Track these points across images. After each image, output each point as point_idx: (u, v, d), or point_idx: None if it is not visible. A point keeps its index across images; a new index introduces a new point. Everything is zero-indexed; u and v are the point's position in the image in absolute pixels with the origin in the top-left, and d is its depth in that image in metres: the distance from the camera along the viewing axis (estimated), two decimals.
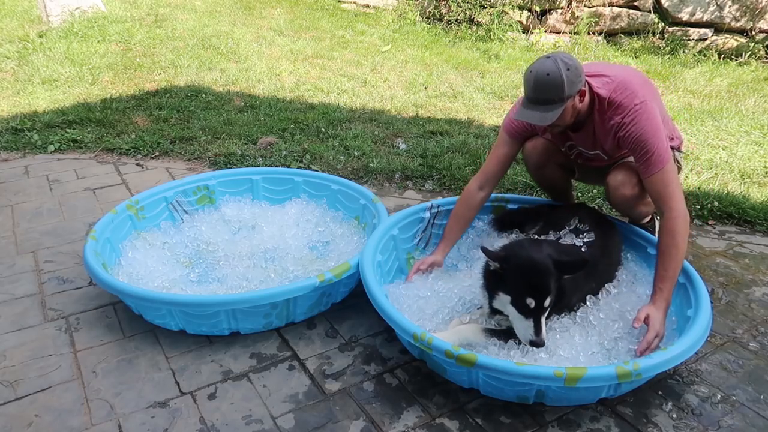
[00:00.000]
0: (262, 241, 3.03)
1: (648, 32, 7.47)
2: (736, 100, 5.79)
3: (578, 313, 2.31)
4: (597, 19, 7.63)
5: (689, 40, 7.30)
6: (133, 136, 4.59)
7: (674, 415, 2.04)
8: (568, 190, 3.11)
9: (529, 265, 2.10)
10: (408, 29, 8.25)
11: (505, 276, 2.12)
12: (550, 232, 2.55)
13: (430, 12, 8.58)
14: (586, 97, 2.38)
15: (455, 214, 2.72)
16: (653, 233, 2.81)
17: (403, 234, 2.86)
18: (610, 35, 7.71)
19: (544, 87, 2.27)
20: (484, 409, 2.05)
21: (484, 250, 2.17)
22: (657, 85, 6.24)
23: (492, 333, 2.21)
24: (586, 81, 2.38)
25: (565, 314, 2.30)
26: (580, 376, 1.83)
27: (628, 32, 7.62)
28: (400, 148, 4.51)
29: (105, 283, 2.40)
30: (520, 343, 2.14)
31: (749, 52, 6.94)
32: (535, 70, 2.28)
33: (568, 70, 2.23)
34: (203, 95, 5.59)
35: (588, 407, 2.07)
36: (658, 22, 7.42)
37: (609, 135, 2.44)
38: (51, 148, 4.42)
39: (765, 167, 4.15)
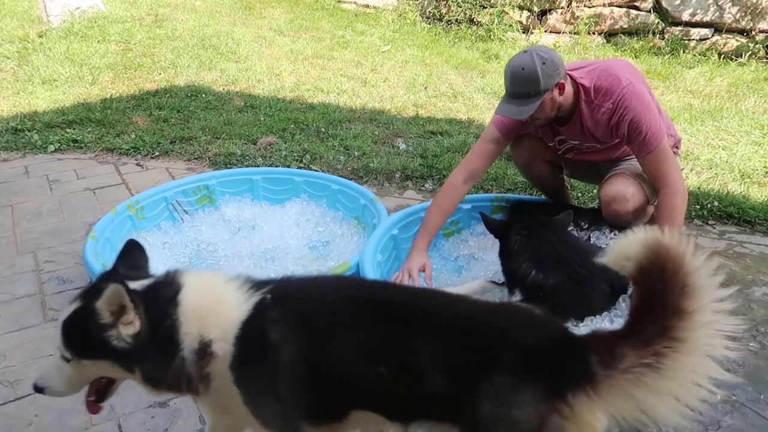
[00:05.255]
0: (262, 241, 3.03)
1: (648, 32, 7.46)
2: (736, 100, 5.79)
3: None
4: (597, 19, 7.62)
5: (690, 40, 7.29)
6: (133, 136, 4.59)
7: None
8: (561, 188, 3.10)
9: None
10: (408, 29, 8.25)
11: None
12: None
13: (430, 12, 8.58)
14: (568, 90, 2.38)
15: (440, 206, 2.66)
16: None
17: (403, 234, 2.86)
18: (610, 35, 7.70)
19: (519, 81, 2.29)
20: None
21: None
22: (657, 85, 6.25)
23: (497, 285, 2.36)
24: (568, 74, 2.38)
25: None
26: None
27: (629, 32, 7.61)
28: (400, 148, 4.51)
29: None
30: None
31: (749, 53, 6.93)
32: (512, 65, 2.31)
33: (543, 63, 2.25)
34: (203, 95, 5.59)
35: None
36: (659, 23, 7.41)
37: (601, 123, 2.43)
38: (51, 148, 4.42)
39: (765, 167, 4.15)
